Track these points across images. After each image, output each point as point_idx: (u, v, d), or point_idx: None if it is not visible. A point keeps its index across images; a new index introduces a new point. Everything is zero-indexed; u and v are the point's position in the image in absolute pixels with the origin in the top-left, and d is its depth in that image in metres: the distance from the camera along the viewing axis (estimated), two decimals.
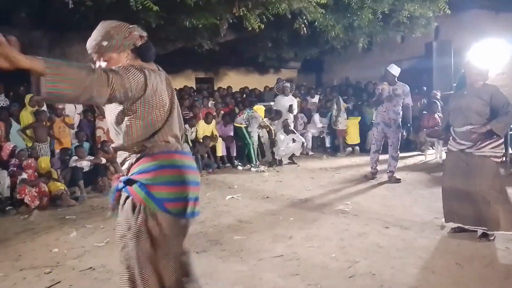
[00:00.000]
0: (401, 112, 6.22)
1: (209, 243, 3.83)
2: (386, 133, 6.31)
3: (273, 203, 5.28)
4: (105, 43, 1.82)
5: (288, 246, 3.69)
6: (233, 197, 5.65)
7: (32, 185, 5.40)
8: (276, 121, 8.35)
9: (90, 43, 1.85)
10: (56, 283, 3.08)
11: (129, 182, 1.86)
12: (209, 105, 8.89)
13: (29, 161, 5.67)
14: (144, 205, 1.83)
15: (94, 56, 1.88)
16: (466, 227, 3.71)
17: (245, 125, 8.00)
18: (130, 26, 1.90)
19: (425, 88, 10.18)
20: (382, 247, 3.59)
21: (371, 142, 9.50)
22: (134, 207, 1.85)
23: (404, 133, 6.59)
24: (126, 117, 1.81)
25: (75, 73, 1.50)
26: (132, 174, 1.87)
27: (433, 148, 8.74)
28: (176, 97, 1.99)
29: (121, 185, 1.90)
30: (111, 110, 1.85)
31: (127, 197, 1.88)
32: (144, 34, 1.93)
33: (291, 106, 8.35)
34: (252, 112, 8.03)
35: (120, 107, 1.80)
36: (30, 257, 3.69)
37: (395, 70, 6.19)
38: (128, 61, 1.86)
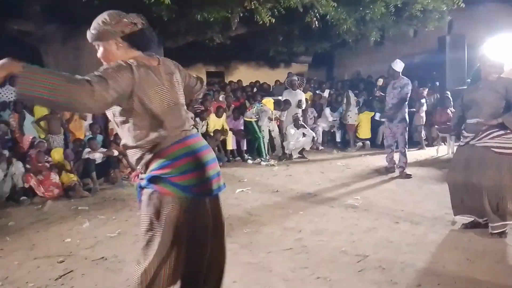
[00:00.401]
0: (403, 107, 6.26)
1: None
2: (391, 128, 6.32)
3: (282, 197, 5.30)
4: (93, 32, 1.88)
5: (298, 240, 3.70)
6: (243, 190, 5.68)
7: (35, 174, 5.50)
8: (286, 112, 8.32)
9: (87, 33, 1.91)
10: (69, 272, 3.14)
11: (151, 179, 1.87)
12: (220, 98, 8.90)
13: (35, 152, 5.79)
14: (172, 195, 1.84)
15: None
16: (473, 217, 3.70)
17: (255, 119, 8.02)
18: (122, 14, 1.88)
19: (437, 83, 10.05)
20: (392, 242, 3.58)
21: (381, 137, 9.55)
22: (160, 200, 1.86)
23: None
24: (127, 117, 1.82)
25: (52, 79, 1.54)
26: (152, 171, 1.88)
27: (445, 144, 8.65)
28: (178, 82, 2.01)
29: (144, 182, 1.90)
30: (113, 113, 1.86)
31: (152, 192, 1.88)
32: (138, 21, 1.88)
33: (300, 101, 8.30)
34: (261, 105, 8.04)
35: (119, 108, 1.81)
36: (44, 246, 3.76)
37: (398, 65, 6.29)
38: (119, 50, 1.87)
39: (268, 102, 8.23)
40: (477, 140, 3.57)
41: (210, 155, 1.98)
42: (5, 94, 6.65)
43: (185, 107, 2.03)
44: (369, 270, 3.00)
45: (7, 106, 6.50)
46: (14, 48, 8.06)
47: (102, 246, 3.71)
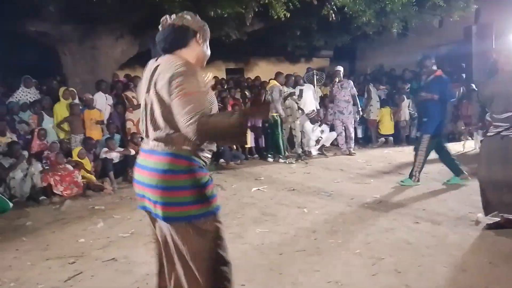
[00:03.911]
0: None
1: (231, 235, 3.76)
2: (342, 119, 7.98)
3: (299, 195, 5.18)
4: None
5: (311, 241, 3.58)
6: (259, 189, 5.59)
7: (54, 170, 5.61)
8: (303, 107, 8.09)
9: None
10: (79, 274, 3.14)
11: None
12: (236, 95, 8.80)
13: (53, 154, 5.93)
14: None
15: None
16: (505, 216, 3.47)
17: (275, 112, 7.69)
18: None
19: (464, 75, 9.63)
20: (411, 243, 3.41)
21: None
22: None
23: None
24: None
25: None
26: None
27: (472, 139, 8.29)
28: (156, 86, 1.78)
29: None
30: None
31: None
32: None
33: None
34: (269, 88, 7.75)
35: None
36: (58, 247, 3.79)
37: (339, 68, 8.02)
38: None
39: (273, 81, 7.92)
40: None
41: (137, 175, 1.87)
42: (25, 95, 6.77)
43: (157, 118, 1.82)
44: (383, 274, 2.85)
45: (28, 108, 6.62)
46: (33, 50, 8.29)
47: (114, 247, 3.71)
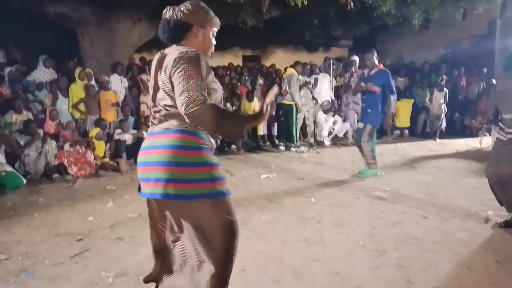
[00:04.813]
0: None
1: None
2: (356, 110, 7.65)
3: (307, 185, 5.16)
4: None
5: (316, 230, 3.57)
6: (268, 176, 5.59)
7: (70, 145, 5.76)
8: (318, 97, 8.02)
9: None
10: (85, 251, 3.21)
11: None
12: (247, 84, 8.74)
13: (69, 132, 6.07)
14: None
15: None
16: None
17: (291, 100, 7.60)
18: None
19: (485, 70, 9.36)
20: (416, 238, 3.37)
21: (421, 125, 9.10)
22: None
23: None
24: None
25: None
26: None
27: (490, 135, 8.10)
28: (160, 72, 1.83)
29: None
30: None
31: None
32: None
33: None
34: (287, 76, 7.69)
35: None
36: (67, 224, 3.87)
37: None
38: None
39: (290, 69, 7.85)
40: None
41: (143, 157, 1.86)
42: (43, 75, 6.87)
43: (160, 102, 1.86)
44: (385, 268, 2.83)
45: (44, 86, 6.72)
46: (52, 31, 8.38)
47: (121, 226, 3.77)
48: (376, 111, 5.38)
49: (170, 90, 1.77)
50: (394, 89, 5.58)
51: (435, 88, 8.62)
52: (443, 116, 8.68)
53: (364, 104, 5.57)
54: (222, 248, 1.80)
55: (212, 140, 1.92)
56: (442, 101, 8.59)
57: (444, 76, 8.68)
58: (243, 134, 1.81)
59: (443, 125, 8.75)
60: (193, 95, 1.63)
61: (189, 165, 1.75)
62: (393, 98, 5.52)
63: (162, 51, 1.90)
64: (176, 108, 1.73)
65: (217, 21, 1.95)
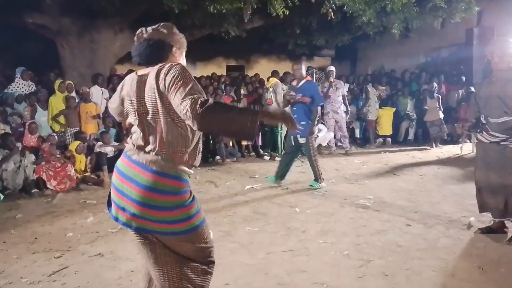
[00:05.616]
0: None
1: (220, 233, 3.75)
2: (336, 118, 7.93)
3: (292, 194, 5.14)
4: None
5: (301, 241, 3.54)
6: (252, 187, 5.55)
7: (47, 163, 5.59)
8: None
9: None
10: (64, 268, 3.11)
11: None
12: (231, 93, 8.72)
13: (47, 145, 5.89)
14: None
15: None
16: (497, 220, 3.46)
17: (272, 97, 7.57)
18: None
19: (464, 77, 9.56)
20: (401, 246, 3.37)
21: (403, 133, 9.20)
22: None
23: None
24: None
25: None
26: None
27: (470, 141, 8.23)
28: (145, 98, 1.77)
29: None
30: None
31: None
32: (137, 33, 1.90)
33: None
34: (270, 84, 7.73)
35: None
36: (45, 240, 3.76)
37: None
38: None
39: (272, 79, 7.93)
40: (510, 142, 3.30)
41: (119, 182, 1.79)
42: (21, 87, 6.72)
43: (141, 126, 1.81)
44: (370, 277, 2.81)
45: (23, 99, 6.57)
46: (32, 42, 8.24)
47: (102, 242, 3.67)
48: (308, 122, 5.24)
49: (165, 124, 1.72)
50: (322, 99, 5.64)
51: (427, 95, 8.66)
52: (440, 122, 8.61)
53: (295, 116, 5.17)
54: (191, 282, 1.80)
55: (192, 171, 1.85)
56: (437, 107, 8.59)
57: (435, 84, 8.72)
58: (258, 131, 1.71)
59: (444, 131, 8.66)
60: (196, 97, 1.57)
61: (164, 209, 1.73)
62: (319, 108, 5.53)
63: (136, 72, 1.86)
64: (170, 145, 1.73)
65: (186, 43, 1.99)
